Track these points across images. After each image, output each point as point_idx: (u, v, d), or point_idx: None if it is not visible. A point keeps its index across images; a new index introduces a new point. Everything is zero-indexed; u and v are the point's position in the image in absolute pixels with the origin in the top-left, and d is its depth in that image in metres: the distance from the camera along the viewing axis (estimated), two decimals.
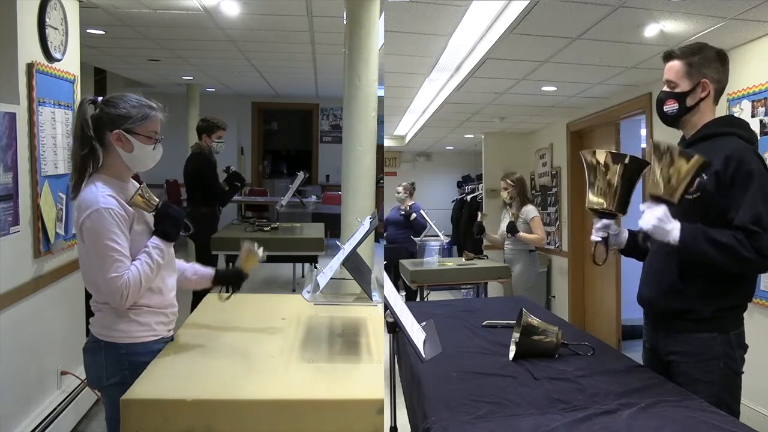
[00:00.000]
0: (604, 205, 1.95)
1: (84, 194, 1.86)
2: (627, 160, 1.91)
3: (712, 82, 1.96)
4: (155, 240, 1.92)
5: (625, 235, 2.09)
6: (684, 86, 1.96)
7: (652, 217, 1.84)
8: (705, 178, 1.88)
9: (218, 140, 4.83)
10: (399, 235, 6.26)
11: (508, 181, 5.19)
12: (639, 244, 2.04)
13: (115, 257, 1.81)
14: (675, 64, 1.98)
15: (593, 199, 1.97)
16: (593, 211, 2.00)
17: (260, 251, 2.28)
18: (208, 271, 2.28)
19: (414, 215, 6.18)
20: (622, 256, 5.49)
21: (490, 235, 5.31)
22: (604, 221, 2.01)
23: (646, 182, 1.93)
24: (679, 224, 1.84)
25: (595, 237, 2.03)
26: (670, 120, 2.02)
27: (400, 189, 6.44)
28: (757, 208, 1.79)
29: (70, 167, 1.98)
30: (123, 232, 1.84)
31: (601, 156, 1.95)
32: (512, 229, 5.02)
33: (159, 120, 1.97)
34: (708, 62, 1.96)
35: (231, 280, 2.28)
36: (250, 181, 10.76)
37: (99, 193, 1.84)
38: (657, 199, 1.85)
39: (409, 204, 6.38)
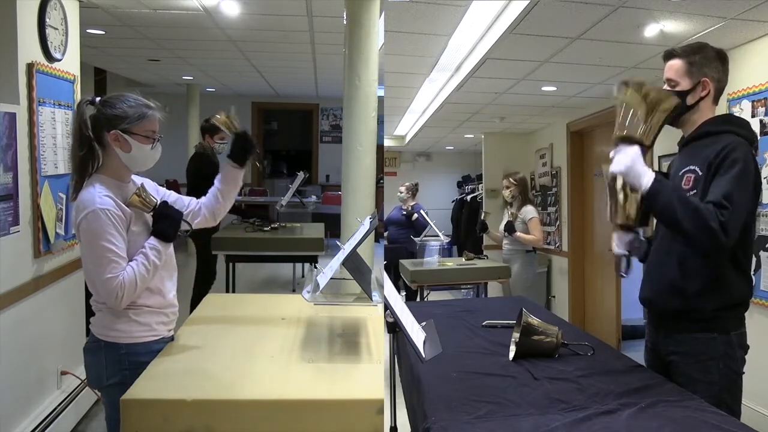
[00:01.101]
0: (628, 221, 1.93)
1: (82, 195, 1.86)
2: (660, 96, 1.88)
3: (713, 82, 1.96)
4: (152, 241, 1.91)
5: (645, 247, 2.10)
6: (684, 85, 1.96)
7: (626, 157, 1.81)
8: (700, 173, 1.89)
9: (221, 141, 4.82)
10: (400, 235, 6.26)
11: (510, 180, 5.20)
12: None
13: (110, 258, 1.81)
14: (676, 63, 1.98)
15: (618, 213, 1.94)
16: (618, 226, 1.98)
17: (224, 113, 2.21)
18: (225, 167, 2.23)
19: (416, 215, 6.18)
20: None
21: (493, 233, 5.33)
22: (630, 235, 2.00)
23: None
24: (653, 172, 1.82)
25: (619, 251, 2.02)
26: (670, 119, 2.02)
27: (403, 189, 6.44)
28: (731, 188, 1.78)
29: (70, 168, 1.97)
30: (119, 233, 1.84)
31: (635, 91, 1.89)
32: (510, 228, 5.02)
33: (157, 119, 1.96)
34: (708, 61, 1.96)
35: (242, 148, 2.22)
36: (249, 180, 10.77)
37: (96, 193, 1.84)
38: (628, 140, 1.83)
39: (411, 204, 6.38)
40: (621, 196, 1.92)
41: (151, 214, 1.94)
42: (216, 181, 2.24)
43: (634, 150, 1.82)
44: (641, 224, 1.97)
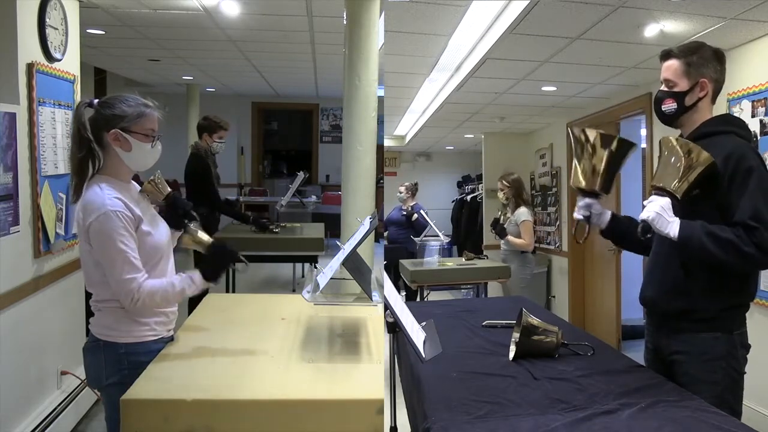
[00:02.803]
0: (590, 185, 1.98)
1: (89, 196, 1.85)
2: (614, 146, 1.94)
3: (710, 82, 1.96)
4: (196, 275, 1.93)
5: (607, 216, 2.09)
6: (682, 85, 1.96)
7: (656, 206, 1.84)
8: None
9: (219, 140, 4.78)
10: (400, 236, 6.26)
11: (504, 182, 5.20)
12: (636, 236, 2.05)
13: (127, 258, 1.81)
14: (673, 63, 1.98)
15: (579, 177, 2.00)
16: (579, 189, 2.02)
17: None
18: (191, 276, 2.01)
19: (415, 215, 6.18)
20: (622, 255, 5.49)
21: (513, 240, 5.06)
22: (587, 200, 2.03)
23: (652, 174, 1.95)
24: (679, 219, 1.84)
25: (577, 215, 2.05)
26: (669, 119, 2.02)
27: (402, 189, 6.44)
28: (757, 205, 1.79)
29: (69, 170, 1.98)
30: (131, 234, 1.84)
31: (591, 135, 1.97)
32: (501, 232, 5.03)
33: (156, 118, 1.96)
34: (706, 61, 1.96)
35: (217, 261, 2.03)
36: (249, 180, 10.77)
37: (105, 195, 1.83)
38: (661, 192, 1.85)
39: (411, 204, 6.37)
40: (585, 160, 1.96)
41: (164, 203, 1.98)
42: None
43: (665, 201, 1.84)
44: (603, 190, 1.99)
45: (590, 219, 2.05)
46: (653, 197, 1.88)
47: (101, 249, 1.83)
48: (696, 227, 1.83)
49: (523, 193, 5.31)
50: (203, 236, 1.99)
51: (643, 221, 1.85)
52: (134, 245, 1.85)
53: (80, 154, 1.90)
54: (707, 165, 1.82)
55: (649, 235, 1.88)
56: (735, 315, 1.94)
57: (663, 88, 2.01)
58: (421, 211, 6.20)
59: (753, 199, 1.79)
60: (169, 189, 2.01)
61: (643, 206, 1.89)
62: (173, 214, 2.08)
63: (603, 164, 1.94)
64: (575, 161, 2.02)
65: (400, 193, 6.43)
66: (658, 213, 1.83)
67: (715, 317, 1.90)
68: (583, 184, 2.00)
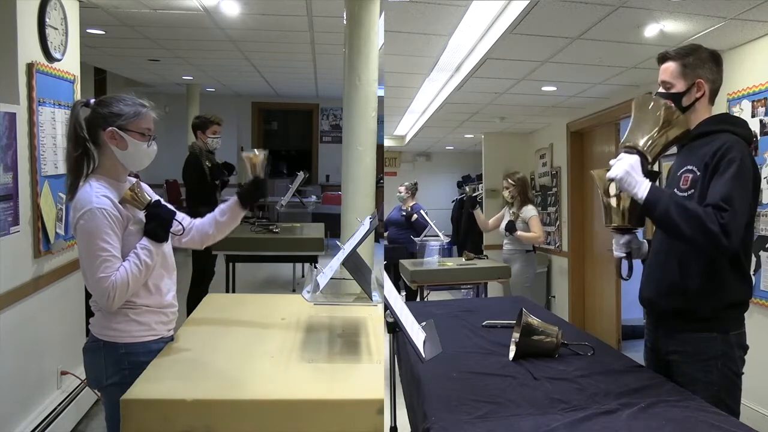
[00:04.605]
0: (623, 223, 1.99)
1: (79, 194, 1.86)
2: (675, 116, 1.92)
3: (707, 83, 1.97)
4: (144, 241, 1.89)
5: (645, 247, 2.11)
6: (679, 87, 1.98)
7: (625, 164, 1.84)
8: (698, 173, 1.89)
9: (213, 136, 4.73)
10: (400, 236, 6.25)
11: (509, 180, 5.20)
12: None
13: (104, 257, 1.80)
14: (670, 66, 2.00)
15: (612, 217, 2.01)
16: (614, 229, 2.03)
17: (257, 151, 2.22)
18: (230, 202, 2.20)
19: (415, 216, 6.18)
20: None
21: (478, 213, 5.37)
22: (626, 237, 2.04)
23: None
24: (650, 182, 1.84)
25: (618, 253, 2.06)
26: (676, 143, 2.03)
27: (402, 189, 6.43)
28: (730, 191, 1.78)
29: (66, 169, 1.98)
30: (115, 233, 1.84)
31: (655, 104, 1.95)
32: (511, 227, 5.03)
33: (152, 117, 1.97)
34: (702, 63, 1.97)
35: (253, 193, 2.21)
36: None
37: (93, 192, 1.84)
38: (632, 150, 1.86)
39: (411, 204, 6.37)
40: (614, 200, 1.96)
41: (144, 213, 1.93)
42: (216, 211, 2.22)
43: (634, 158, 1.85)
44: (638, 224, 1.99)
45: (631, 254, 2.06)
46: (622, 154, 1.87)
47: (82, 245, 1.83)
48: (665, 193, 1.84)
49: (529, 191, 5.32)
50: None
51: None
52: (117, 244, 1.84)
53: (76, 153, 1.91)
54: (683, 129, 1.82)
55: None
56: (732, 315, 1.94)
57: (660, 90, 2.03)
58: (422, 212, 6.19)
59: (727, 185, 1.79)
60: (149, 198, 1.93)
61: (610, 166, 1.88)
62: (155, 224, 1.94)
63: (630, 202, 1.94)
64: (604, 201, 2.02)
65: (400, 193, 6.42)
66: (627, 171, 1.83)
67: (711, 317, 1.91)
68: (617, 222, 1.99)
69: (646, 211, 1.85)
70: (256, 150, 2.22)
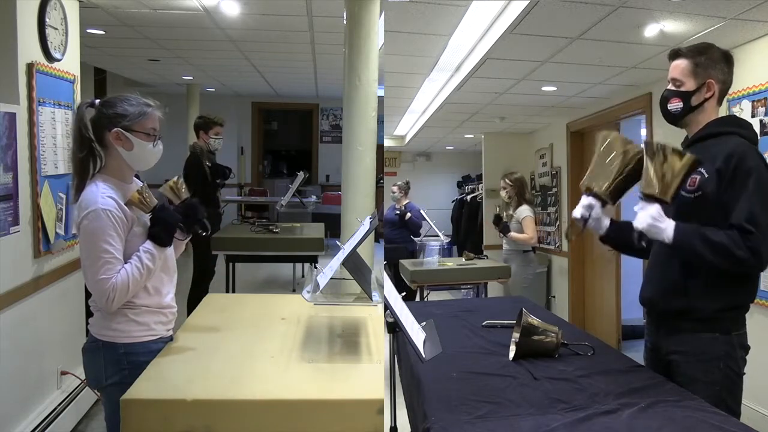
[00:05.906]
0: (598, 188, 1.97)
1: (85, 194, 1.86)
2: (637, 156, 1.92)
3: (717, 83, 1.96)
4: (147, 244, 1.90)
5: (606, 223, 2.06)
6: (689, 85, 1.96)
7: (646, 216, 1.84)
8: (706, 176, 1.88)
9: (215, 137, 4.75)
10: (395, 236, 6.24)
11: (506, 180, 5.21)
12: (634, 244, 2.05)
13: (106, 259, 1.81)
14: (681, 63, 1.98)
15: (591, 178, 2.00)
16: (587, 189, 2.01)
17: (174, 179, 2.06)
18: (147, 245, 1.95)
19: (408, 215, 6.17)
20: (622, 255, 5.49)
21: (513, 236, 5.08)
22: (590, 200, 2.01)
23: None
24: (674, 223, 1.84)
25: (576, 213, 2.04)
26: (674, 118, 2.02)
27: (395, 188, 6.44)
28: (753, 208, 1.79)
29: (71, 170, 1.98)
30: (118, 234, 1.84)
31: (617, 142, 1.98)
32: (504, 228, 5.04)
33: (157, 117, 1.97)
34: (714, 63, 1.96)
35: (193, 216, 2.02)
36: (249, 180, 10.76)
37: (99, 193, 1.84)
38: (650, 198, 1.85)
39: (405, 203, 6.37)
40: (603, 169, 1.96)
41: (150, 215, 1.93)
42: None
43: (655, 208, 1.84)
44: (612, 199, 1.98)
45: (587, 221, 2.03)
46: (643, 204, 1.87)
47: (85, 245, 1.83)
48: (690, 231, 1.83)
49: (526, 192, 5.32)
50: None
51: (639, 232, 1.86)
52: (120, 246, 1.84)
53: (81, 155, 1.91)
54: (691, 163, 1.81)
55: (644, 243, 1.88)
56: (734, 316, 1.93)
57: (670, 87, 2.01)
58: (421, 211, 6.19)
59: (750, 201, 1.79)
60: (156, 201, 1.92)
61: (636, 212, 1.88)
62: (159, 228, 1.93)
63: (620, 174, 1.94)
64: (593, 164, 2.02)
65: (393, 192, 6.43)
66: (650, 224, 1.84)
67: (713, 318, 1.90)
68: (597, 186, 1.97)
69: (676, 251, 1.88)
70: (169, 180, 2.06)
